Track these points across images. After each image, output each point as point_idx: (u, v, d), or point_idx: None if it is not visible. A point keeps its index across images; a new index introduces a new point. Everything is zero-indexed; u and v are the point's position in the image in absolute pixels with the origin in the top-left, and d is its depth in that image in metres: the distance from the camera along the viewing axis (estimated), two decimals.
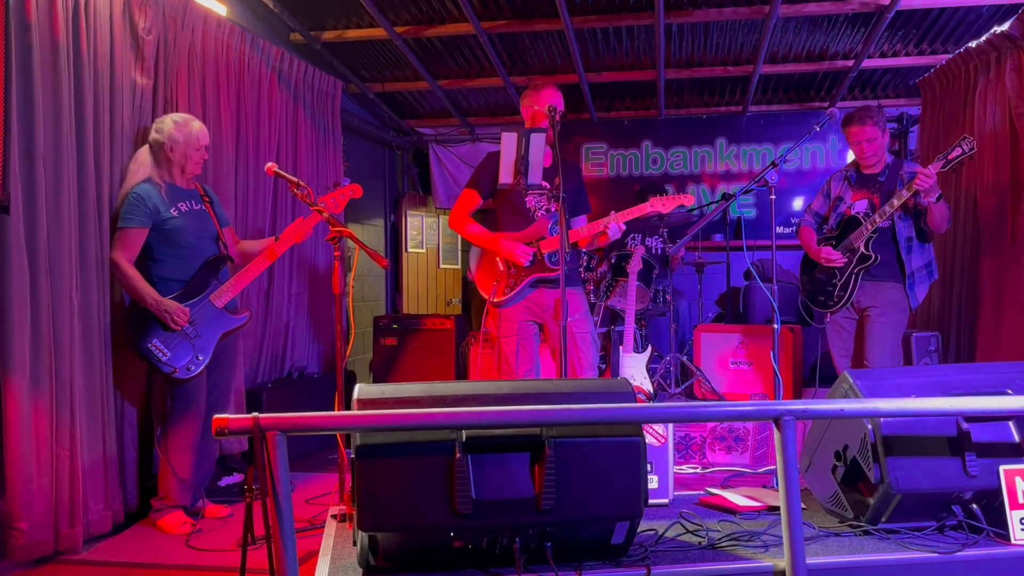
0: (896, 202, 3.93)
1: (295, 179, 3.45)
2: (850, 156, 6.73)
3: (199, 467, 3.59)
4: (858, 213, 4.13)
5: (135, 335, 3.38)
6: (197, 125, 3.55)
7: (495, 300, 3.80)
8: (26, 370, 2.97)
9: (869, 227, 4.03)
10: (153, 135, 3.50)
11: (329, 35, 5.62)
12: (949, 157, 3.84)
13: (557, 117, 3.62)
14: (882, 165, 4.17)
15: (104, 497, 3.36)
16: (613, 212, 3.78)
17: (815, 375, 5.32)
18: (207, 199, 3.66)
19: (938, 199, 3.88)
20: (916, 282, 4.08)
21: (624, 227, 3.77)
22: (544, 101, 3.76)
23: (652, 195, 6.10)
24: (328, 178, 5.52)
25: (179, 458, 3.46)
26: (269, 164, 3.49)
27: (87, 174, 3.30)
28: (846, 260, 4.13)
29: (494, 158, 3.75)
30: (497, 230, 3.88)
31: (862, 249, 4.07)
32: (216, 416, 1.96)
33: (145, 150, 3.53)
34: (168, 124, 3.48)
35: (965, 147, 3.82)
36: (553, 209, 3.79)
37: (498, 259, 3.82)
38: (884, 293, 4.08)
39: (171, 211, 3.46)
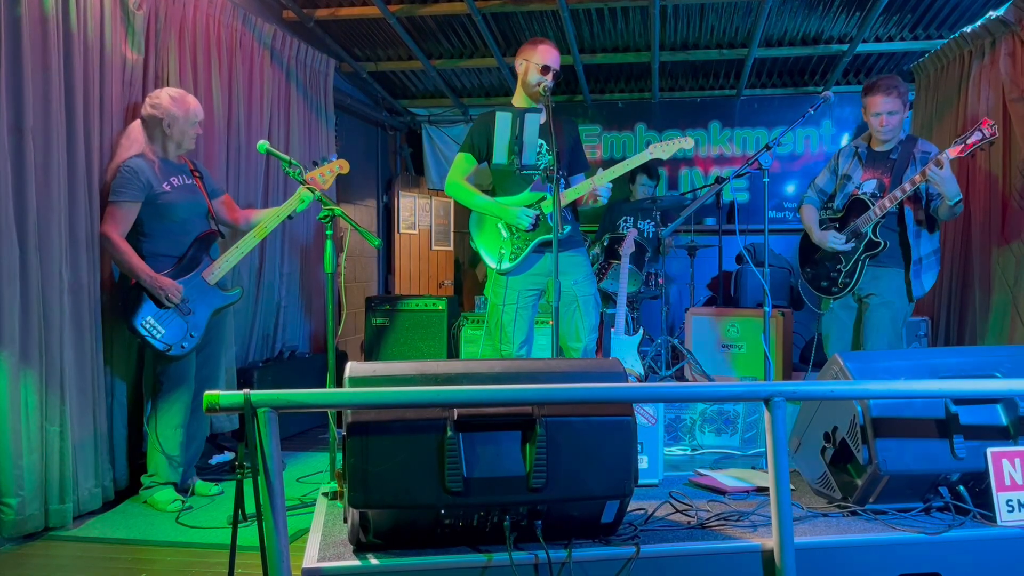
0: (908, 187, 3.65)
1: (287, 157, 3.43)
2: (844, 140, 6.77)
3: (189, 444, 3.59)
4: (865, 193, 3.86)
5: (128, 312, 3.36)
6: (193, 100, 3.51)
7: (502, 268, 3.73)
8: (16, 346, 2.95)
9: (878, 212, 3.75)
10: (148, 110, 3.44)
11: (322, 12, 5.58)
12: (968, 143, 3.58)
13: (551, 78, 3.63)
14: (895, 143, 3.88)
15: (94, 474, 3.36)
16: (600, 170, 3.72)
17: (805, 359, 5.35)
18: (197, 174, 3.62)
19: (956, 203, 3.61)
20: (923, 269, 3.82)
21: (611, 187, 3.72)
22: (541, 56, 3.69)
23: (642, 175, 6.11)
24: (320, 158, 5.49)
25: (169, 435, 3.46)
26: (261, 142, 3.46)
27: (77, 149, 3.27)
28: (852, 246, 3.88)
29: (487, 118, 3.70)
30: (494, 194, 3.82)
31: (870, 235, 3.81)
32: (207, 392, 1.95)
33: (137, 125, 3.48)
34: (165, 99, 3.43)
35: (986, 132, 3.54)
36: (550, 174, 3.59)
37: (500, 224, 3.76)
38: (886, 280, 3.83)
39: (164, 186, 3.43)
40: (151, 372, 3.51)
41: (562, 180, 3.70)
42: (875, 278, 3.86)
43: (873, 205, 3.79)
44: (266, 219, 3.63)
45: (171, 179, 3.47)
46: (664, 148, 3.74)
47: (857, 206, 3.88)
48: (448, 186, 3.86)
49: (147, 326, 3.35)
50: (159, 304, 3.37)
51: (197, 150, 4.04)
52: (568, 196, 3.71)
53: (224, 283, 3.62)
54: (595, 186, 3.69)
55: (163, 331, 3.37)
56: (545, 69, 3.67)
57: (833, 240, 3.92)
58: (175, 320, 3.40)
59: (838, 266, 3.95)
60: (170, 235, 3.46)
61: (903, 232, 3.83)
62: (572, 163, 3.87)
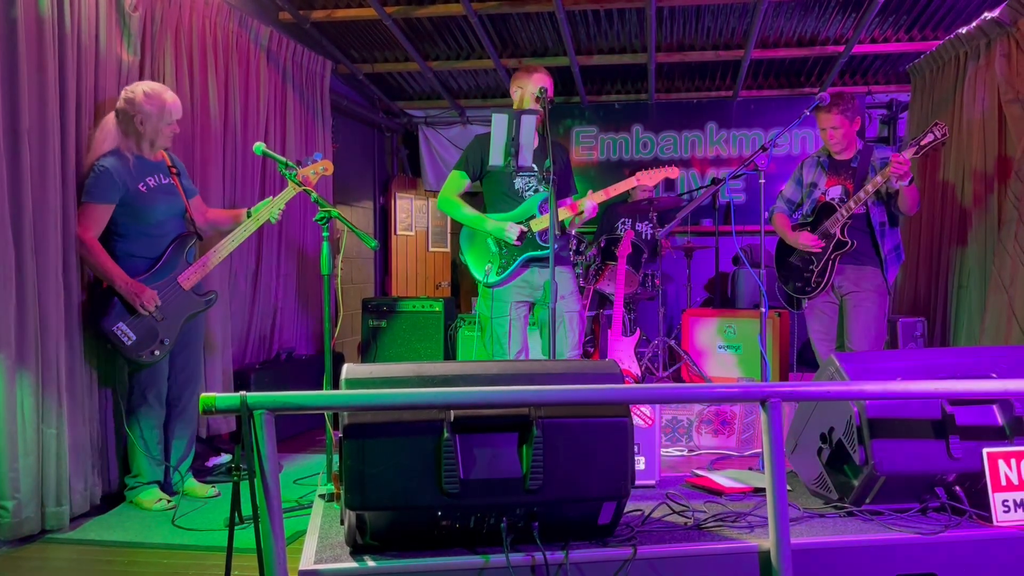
0: (871, 188, 3.93)
1: (283, 159, 3.41)
2: None
3: (176, 445, 3.58)
4: (832, 199, 4.12)
5: (99, 316, 3.28)
6: (170, 97, 3.38)
7: (488, 280, 3.81)
8: (12, 348, 2.94)
9: (844, 213, 4.01)
10: (121, 103, 3.33)
11: (318, 14, 5.58)
12: (922, 143, 3.85)
13: (542, 99, 3.67)
14: (852, 151, 4.16)
15: (91, 476, 3.35)
16: (591, 192, 3.84)
17: (803, 359, 5.36)
18: (174, 170, 3.52)
19: (910, 182, 3.89)
20: (888, 264, 4.08)
21: (597, 207, 3.82)
22: (535, 84, 3.81)
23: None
24: None
25: (147, 436, 3.43)
26: (257, 144, 3.44)
27: (72, 152, 3.25)
28: (823, 246, 4.11)
29: (483, 140, 3.77)
30: (485, 211, 3.89)
31: (838, 235, 4.06)
32: (204, 394, 1.95)
33: (111, 118, 3.36)
34: (139, 95, 3.31)
35: (937, 133, 3.84)
36: (541, 190, 3.81)
37: (489, 240, 3.83)
38: (866, 278, 4.07)
39: (140, 186, 3.33)
40: (123, 375, 3.47)
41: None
42: (856, 276, 4.10)
43: (839, 208, 4.05)
44: (247, 225, 3.54)
45: (147, 179, 3.37)
46: (650, 175, 3.88)
47: (826, 210, 4.14)
48: (440, 202, 3.95)
49: (119, 332, 3.27)
50: (132, 310, 3.29)
51: (194, 153, 4.04)
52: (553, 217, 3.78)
53: (199, 287, 3.53)
54: (587, 206, 3.79)
55: (134, 336, 3.29)
56: (542, 92, 3.75)
57: (808, 239, 4.15)
58: (148, 326, 3.32)
59: (810, 266, 4.19)
60: (146, 236, 3.38)
61: (872, 232, 4.08)
62: (560, 188, 3.93)
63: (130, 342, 3.30)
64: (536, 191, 3.83)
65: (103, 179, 3.25)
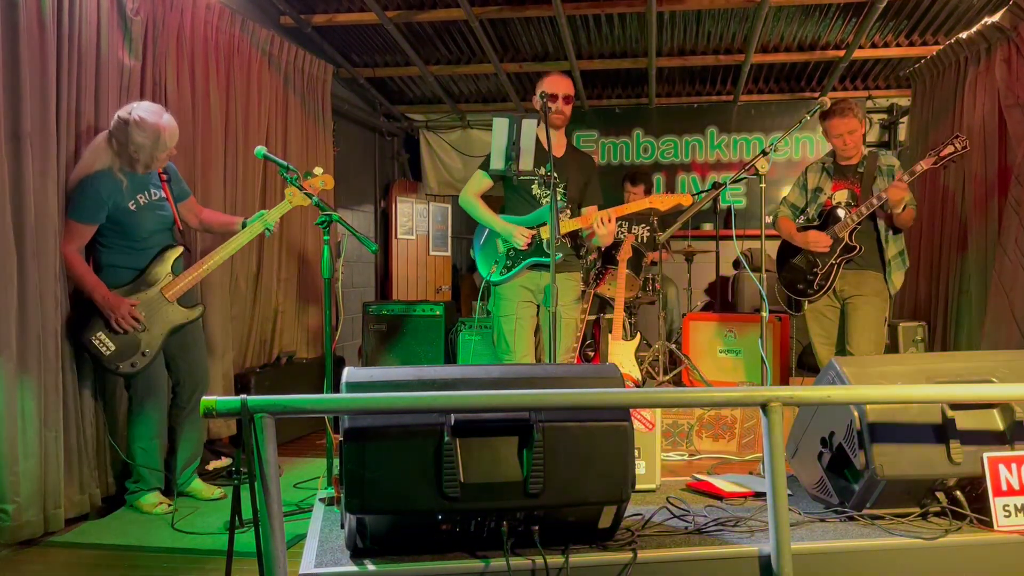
0: (875, 201, 3.94)
1: (285, 163, 3.40)
2: None
3: (182, 450, 3.57)
4: (840, 204, 4.12)
5: (78, 326, 3.23)
6: (167, 124, 3.26)
7: (492, 278, 3.88)
8: (13, 352, 2.95)
9: (854, 218, 4.02)
10: (116, 125, 3.23)
11: (319, 19, 5.59)
12: (941, 154, 3.83)
13: (550, 103, 3.77)
14: (859, 156, 4.16)
15: (91, 480, 3.35)
16: (606, 211, 3.82)
17: (803, 364, 5.36)
18: (164, 177, 3.45)
19: (903, 209, 3.90)
20: (893, 269, 4.09)
21: (615, 226, 3.83)
22: (546, 86, 3.84)
23: (640, 183, 6.12)
24: (318, 163, 5.47)
25: (146, 446, 3.42)
26: (258, 147, 3.44)
27: (73, 157, 3.25)
28: (831, 242, 4.10)
29: None
30: (503, 212, 3.97)
31: (847, 240, 4.06)
32: (205, 397, 1.95)
33: (103, 138, 3.26)
34: (132, 124, 3.18)
35: (958, 145, 3.82)
36: (559, 198, 3.85)
37: (498, 240, 3.89)
38: (868, 282, 4.08)
39: (130, 204, 3.28)
40: (119, 383, 3.45)
41: (568, 209, 3.93)
42: (857, 280, 4.11)
43: (848, 212, 4.07)
44: (239, 237, 3.50)
45: (138, 196, 3.31)
46: (663, 200, 3.94)
47: (833, 214, 4.15)
48: (461, 200, 4.02)
49: (96, 343, 3.22)
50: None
51: (195, 157, 4.05)
52: (567, 225, 3.86)
53: (185, 299, 3.46)
54: (593, 221, 3.78)
55: (113, 348, 3.25)
56: (553, 97, 3.82)
57: (817, 237, 4.13)
58: (128, 338, 3.27)
59: (814, 269, 4.18)
60: (131, 250, 3.33)
61: (877, 237, 4.10)
62: (585, 198, 4.02)
63: (109, 352, 3.25)
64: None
65: (90, 199, 3.19)
